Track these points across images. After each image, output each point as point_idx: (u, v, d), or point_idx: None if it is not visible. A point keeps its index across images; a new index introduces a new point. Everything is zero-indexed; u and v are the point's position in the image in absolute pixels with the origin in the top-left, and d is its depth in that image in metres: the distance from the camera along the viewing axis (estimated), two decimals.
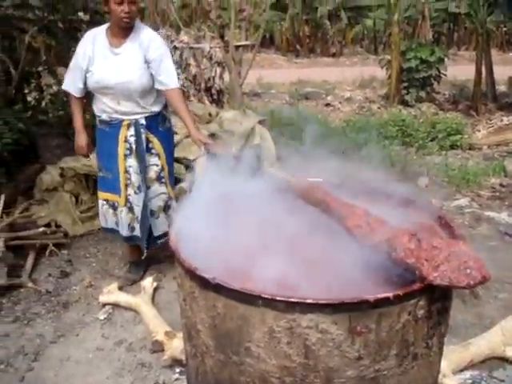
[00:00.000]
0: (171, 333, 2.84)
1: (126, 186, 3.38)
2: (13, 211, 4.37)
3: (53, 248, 4.07)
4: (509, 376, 2.72)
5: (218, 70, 9.04)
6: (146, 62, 3.21)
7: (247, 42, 9.00)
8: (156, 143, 3.40)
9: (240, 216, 1.90)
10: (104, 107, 3.28)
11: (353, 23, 24.13)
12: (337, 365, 1.52)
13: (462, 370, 2.71)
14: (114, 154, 3.34)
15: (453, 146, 7.45)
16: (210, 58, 8.87)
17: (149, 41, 3.24)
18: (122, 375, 2.78)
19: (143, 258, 3.56)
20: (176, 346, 2.76)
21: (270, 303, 1.46)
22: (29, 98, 6.69)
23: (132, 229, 3.47)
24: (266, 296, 1.45)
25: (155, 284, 3.49)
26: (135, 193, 3.38)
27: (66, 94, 6.61)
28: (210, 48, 8.94)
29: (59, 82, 6.74)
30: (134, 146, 3.32)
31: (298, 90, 12.82)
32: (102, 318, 3.29)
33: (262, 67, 18.06)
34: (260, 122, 5.54)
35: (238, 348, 1.59)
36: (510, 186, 5.69)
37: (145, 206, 3.39)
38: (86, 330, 3.20)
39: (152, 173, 3.42)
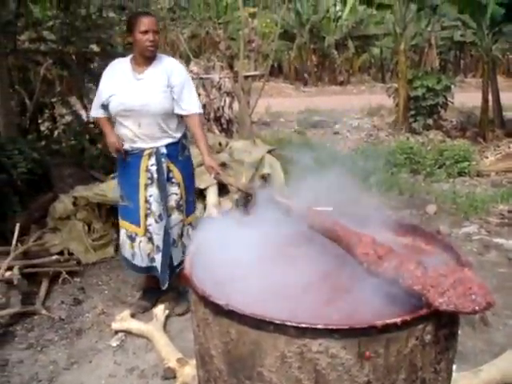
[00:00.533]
0: (183, 360, 2.88)
1: (146, 215, 3.43)
2: (26, 239, 4.44)
3: (66, 276, 4.14)
4: None
5: (228, 99, 9.21)
6: (169, 86, 3.33)
7: (256, 72, 9.17)
8: (176, 172, 3.46)
9: (252, 245, 1.95)
10: (126, 132, 3.35)
11: (360, 52, 24.44)
12: None
13: None
14: (134, 184, 3.41)
15: (461, 173, 7.51)
16: (220, 88, 9.04)
17: (172, 67, 3.39)
18: None
19: (164, 288, 3.57)
20: (188, 373, 2.80)
21: (282, 328, 1.51)
22: (42, 128, 6.84)
23: (151, 260, 3.50)
24: (278, 322, 1.50)
25: (167, 312, 3.54)
26: (156, 221, 3.43)
27: (79, 124, 6.80)
28: (220, 78, 9.12)
29: (72, 113, 6.91)
30: (155, 176, 3.38)
31: (307, 118, 12.97)
32: (114, 344, 3.34)
33: (271, 96, 18.26)
34: (269, 152, 5.63)
35: (250, 373, 1.63)
36: None
37: (167, 234, 3.45)
38: (98, 356, 3.24)
39: (172, 202, 3.47)
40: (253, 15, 11.09)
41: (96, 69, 6.98)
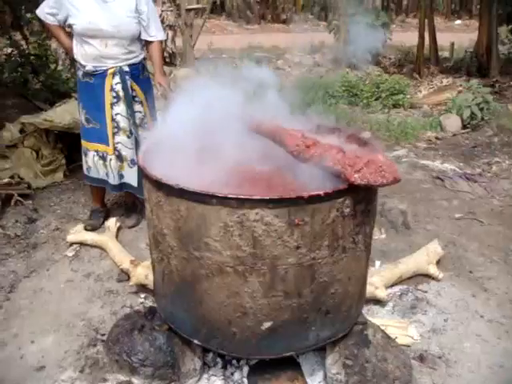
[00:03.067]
0: (136, 261, 3.14)
1: (114, 133, 3.59)
2: None
3: (18, 198, 4.26)
4: (431, 288, 3.16)
5: (170, 33, 9.21)
6: (137, 12, 3.50)
7: (198, 6, 9.19)
8: (139, 91, 3.65)
9: (201, 139, 2.21)
10: (91, 50, 3.45)
11: None
12: (280, 253, 1.86)
13: (392, 286, 3.12)
14: (100, 104, 3.54)
15: (395, 105, 7.91)
16: (162, 22, 9.01)
17: None
18: (92, 301, 3.08)
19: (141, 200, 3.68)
20: (140, 273, 3.05)
21: (224, 201, 1.78)
22: None
23: (121, 176, 3.69)
24: (220, 195, 1.77)
25: (118, 224, 3.78)
26: (128, 137, 3.60)
27: (21, 55, 6.71)
28: (162, 11, 9.07)
29: (12, 44, 6.82)
30: (121, 94, 3.53)
31: (249, 54, 13.04)
32: (70, 255, 3.56)
33: (213, 33, 18.12)
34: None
35: (198, 244, 1.91)
36: (445, 138, 6.19)
37: (139, 148, 3.64)
38: (55, 265, 3.46)
39: (137, 119, 3.65)
40: None
41: None
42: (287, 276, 1.91)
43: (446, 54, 13.15)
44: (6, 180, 4.30)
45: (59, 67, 8.01)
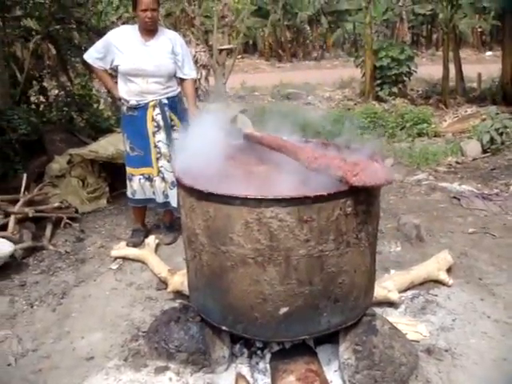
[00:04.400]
0: (173, 270, 3.52)
1: (157, 159, 4.08)
2: (30, 192, 5.01)
3: (67, 221, 4.73)
4: (442, 293, 3.43)
5: (204, 72, 9.78)
6: (173, 53, 4.03)
7: (230, 46, 9.77)
8: (176, 121, 4.14)
9: (222, 154, 2.61)
10: (134, 87, 3.97)
11: (333, 27, 25.00)
12: (292, 245, 2.21)
13: (405, 290, 3.41)
14: (143, 134, 4.04)
15: (420, 134, 8.23)
16: (196, 62, 9.61)
17: (175, 38, 4.10)
18: (134, 305, 3.46)
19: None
20: (177, 281, 3.42)
21: (245, 201, 2.15)
22: (32, 99, 7.34)
23: (166, 196, 4.17)
24: (242, 196, 2.15)
25: (157, 241, 4.18)
26: (168, 161, 4.07)
27: (67, 95, 7.31)
28: (195, 52, 9.67)
29: (59, 85, 7.44)
30: (161, 123, 4.03)
31: (280, 91, 13.57)
32: (114, 268, 3.98)
33: (246, 72, 18.76)
34: (241, 112, 6.25)
35: (224, 239, 2.27)
36: (465, 162, 6.46)
37: None
38: (102, 276, 3.88)
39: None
40: None
41: (79, 43, 7.54)
42: (299, 266, 2.25)
43: (474, 84, 13.41)
44: (56, 204, 4.76)
45: (101, 106, 8.64)
